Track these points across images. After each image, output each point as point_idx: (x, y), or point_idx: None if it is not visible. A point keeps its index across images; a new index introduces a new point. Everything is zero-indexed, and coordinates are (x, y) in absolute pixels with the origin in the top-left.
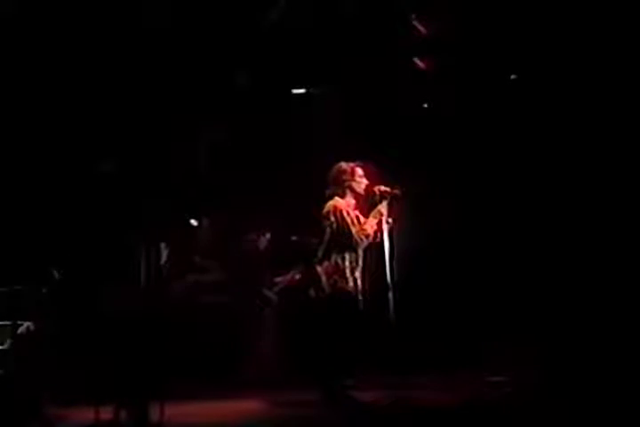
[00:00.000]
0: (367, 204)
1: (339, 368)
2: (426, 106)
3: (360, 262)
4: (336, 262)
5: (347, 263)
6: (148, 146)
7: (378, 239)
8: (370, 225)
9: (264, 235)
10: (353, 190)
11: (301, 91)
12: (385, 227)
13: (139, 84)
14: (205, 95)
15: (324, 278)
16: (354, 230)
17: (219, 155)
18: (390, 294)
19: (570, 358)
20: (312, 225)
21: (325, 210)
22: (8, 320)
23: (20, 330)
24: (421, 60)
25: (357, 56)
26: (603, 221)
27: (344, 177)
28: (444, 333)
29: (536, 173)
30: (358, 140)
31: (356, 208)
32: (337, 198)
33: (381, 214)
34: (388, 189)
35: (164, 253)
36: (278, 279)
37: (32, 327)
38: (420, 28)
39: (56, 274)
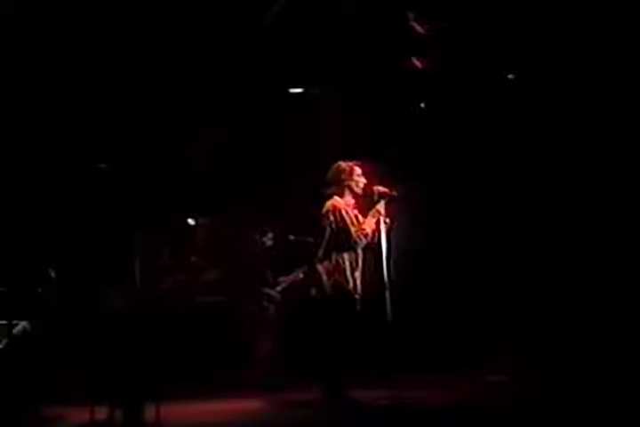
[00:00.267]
0: (366, 203)
1: (338, 368)
2: (423, 105)
3: (360, 262)
4: (337, 261)
5: (347, 263)
6: (146, 145)
7: (376, 239)
8: (368, 224)
9: (266, 235)
10: (352, 190)
11: (299, 90)
12: (383, 226)
13: (138, 83)
14: (205, 95)
15: (324, 278)
16: (353, 230)
17: (218, 154)
18: (387, 294)
19: (569, 357)
20: (312, 224)
21: (325, 209)
22: (4, 320)
23: (15, 330)
24: (419, 60)
25: (357, 56)
26: (602, 220)
27: (343, 176)
28: (443, 332)
29: (535, 172)
30: (358, 139)
31: (354, 207)
32: (336, 198)
33: (380, 214)
34: (386, 189)
35: (163, 253)
36: (282, 279)
37: (28, 327)
38: (418, 27)
39: (52, 274)
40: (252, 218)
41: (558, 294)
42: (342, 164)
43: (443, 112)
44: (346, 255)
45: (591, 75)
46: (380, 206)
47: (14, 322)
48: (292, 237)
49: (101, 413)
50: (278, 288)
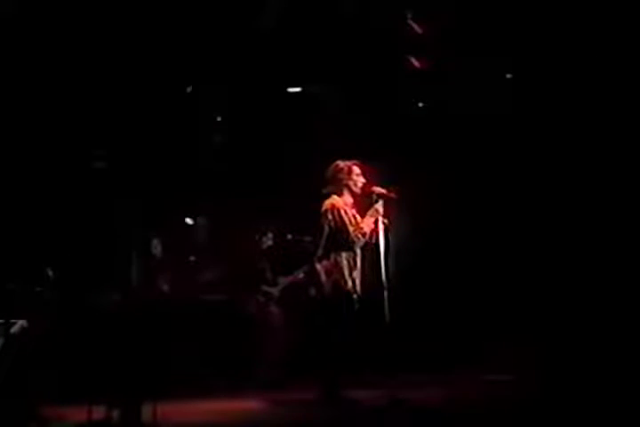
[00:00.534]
0: (364, 202)
1: (337, 368)
2: (421, 105)
3: (358, 262)
4: (335, 260)
5: (345, 262)
6: (145, 145)
7: (374, 239)
8: (367, 224)
9: (266, 235)
10: (350, 189)
11: (297, 89)
12: (381, 226)
13: (137, 82)
14: (205, 94)
15: (323, 277)
16: (351, 229)
17: (218, 153)
18: (386, 294)
19: (569, 356)
20: (311, 224)
21: (323, 208)
22: (1, 319)
23: (13, 329)
24: (417, 60)
25: (356, 56)
26: (602, 220)
27: (341, 176)
28: (442, 332)
29: (533, 172)
30: (357, 139)
31: (353, 207)
32: (334, 197)
33: (378, 213)
34: (384, 190)
35: (158, 250)
36: (283, 279)
37: (26, 326)
38: (416, 27)
39: (50, 273)
40: (252, 218)
41: (558, 294)
42: (340, 163)
43: (441, 112)
44: (344, 255)
45: (590, 74)
46: (379, 206)
47: (12, 321)
48: (289, 237)
49: (99, 412)
50: (278, 287)
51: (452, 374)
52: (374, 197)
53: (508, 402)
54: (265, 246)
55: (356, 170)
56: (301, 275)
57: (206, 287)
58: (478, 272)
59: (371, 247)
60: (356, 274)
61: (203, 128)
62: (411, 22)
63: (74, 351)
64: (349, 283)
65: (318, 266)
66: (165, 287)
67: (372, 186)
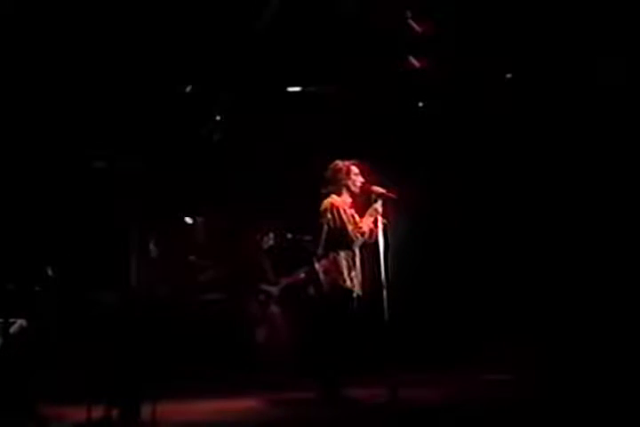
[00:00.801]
0: (363, 202)
1: (336, 367)
2: (421, 105)
3: (357, 261)
4: (334, 259)
5: (344, 261)
6: (144, 144)
7: (373, 238)
8: (366, 223)
9: (267, 235)
10: (349, 189)
11: (297, 89)
12: (380, 226)
13: (136, 82)
14: (204, 94)
15: (322, 276)
16: (350, 228)
17: (217, 153)
18: (385, 293)
19: (569, 356)
20: (311, 224)
21: (322, 207)
22: (0, 318)
23: (12, 328)
24: (417, 59)
25: (356, 55)
26: (602, 220)
27: (340, 175)
28: (441, 331)
29: (533, 172)
30: (357, 139)
31: (352, 206)
32: (333, 196)
33: (377, 213)
34: (383, 191)
35: (154, 254)
36: (284, 280)
37: (25, 325)
38: (416, 26)
39: (50, 272)
40: (253, 218)
41: (558, 294)
42: (339, 163)
43: (441, 111)
44: (343, 254)
45: (592, 75)
46: (378, 206)
47: (11, 320)
48: (289, 236)
49: (98, 412)
50: (278, 287)
51: (452, 373)
52: (373, 196)
53: (508, 402)
54: (266, 246)
55: (355, 170)
56: (302, 274)
57: (206, 287)
58: (478, 272)
59: (370, 247)
60: (355, 273)
61: (202, 128)
62: (411, 22)
63: (73, 351)
64: (348, 282)
65: (317, 265)
66: (165, 287)
67: (372, 186)
